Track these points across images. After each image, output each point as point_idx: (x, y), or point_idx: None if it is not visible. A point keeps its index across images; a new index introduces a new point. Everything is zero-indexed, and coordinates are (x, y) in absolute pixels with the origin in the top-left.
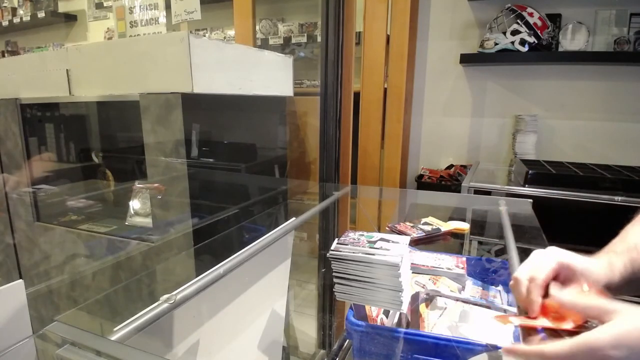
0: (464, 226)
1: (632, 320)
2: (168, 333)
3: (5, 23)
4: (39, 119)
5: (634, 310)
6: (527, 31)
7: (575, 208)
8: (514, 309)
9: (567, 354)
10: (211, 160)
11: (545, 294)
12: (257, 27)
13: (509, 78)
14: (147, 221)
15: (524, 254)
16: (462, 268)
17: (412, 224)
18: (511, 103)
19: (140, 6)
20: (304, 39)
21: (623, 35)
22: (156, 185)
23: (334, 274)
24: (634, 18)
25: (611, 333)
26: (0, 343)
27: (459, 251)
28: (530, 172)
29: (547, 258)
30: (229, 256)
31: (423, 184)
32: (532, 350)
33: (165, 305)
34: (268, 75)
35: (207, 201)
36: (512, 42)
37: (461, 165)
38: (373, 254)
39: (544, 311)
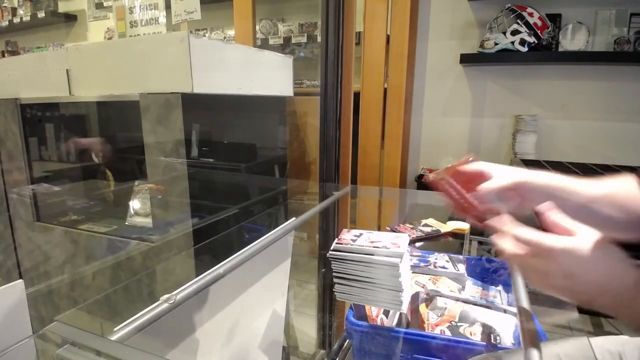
0: (464, 226)
1: (585, 241)
2: (168, 333)
3: (5, 23)
4: (39, 119)
5: (590, 236)
6: (527, 31)
7: None
8: (514, 309)
9: (525, 239)
10: (211, 160)
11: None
12: (257, 27)
13: (509, 78)
14: (147, 221)
15: None
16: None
17: (411, 226)
18: (511, 103)
19: (140, 6)
20: (304, 39)
21: (623, 35)
22: (156, 185)
23: (334, 274)
24: (634, 18)
25: (568, 243)
26: (0, 343)
27: (459, 251)
28: None
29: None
30: (229, 256)
31: (423, 184)
32: (496, 224)
33: (165, 305)
34: (268, 75)
35: (207, 201)
36: (512, 42)
37: None
38: (373, 254)
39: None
